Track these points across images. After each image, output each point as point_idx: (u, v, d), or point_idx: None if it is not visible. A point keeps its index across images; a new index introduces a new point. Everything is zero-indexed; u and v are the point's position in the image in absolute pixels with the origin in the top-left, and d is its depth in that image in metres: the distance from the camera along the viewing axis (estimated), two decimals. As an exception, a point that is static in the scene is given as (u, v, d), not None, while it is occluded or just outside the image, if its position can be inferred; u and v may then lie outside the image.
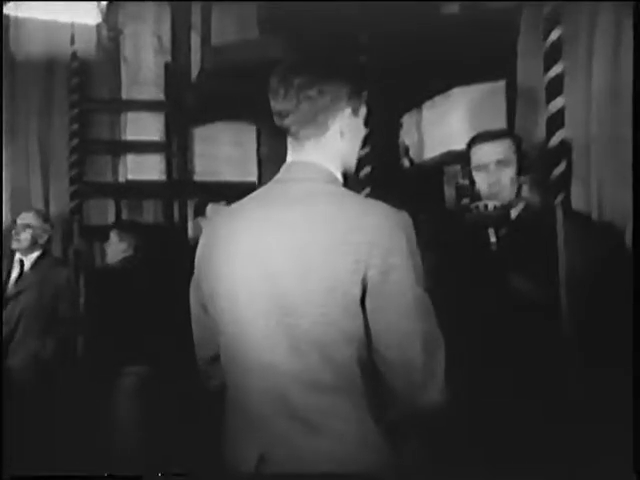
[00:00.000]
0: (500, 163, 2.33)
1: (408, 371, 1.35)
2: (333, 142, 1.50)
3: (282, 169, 1.53)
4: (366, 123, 1.58)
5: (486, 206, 2.36)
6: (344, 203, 1.41)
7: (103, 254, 4.05)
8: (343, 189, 1.48)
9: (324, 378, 1.34)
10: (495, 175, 2.34)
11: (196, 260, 1.58)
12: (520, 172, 2.34)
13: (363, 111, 1.56)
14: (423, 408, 1.41)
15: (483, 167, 2.36)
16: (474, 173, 2.40)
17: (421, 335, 1.34)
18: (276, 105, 1.55)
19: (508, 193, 2.34)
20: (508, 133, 2.44)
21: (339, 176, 1.51)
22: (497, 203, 2.32)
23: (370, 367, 1.36)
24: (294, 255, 1.37)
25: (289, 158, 1.53)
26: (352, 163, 1.56)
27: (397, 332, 1.34)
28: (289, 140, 1.53)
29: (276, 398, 1.36)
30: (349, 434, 1.35)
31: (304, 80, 1.50)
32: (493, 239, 2.33)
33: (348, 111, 1.51)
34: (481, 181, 2.38)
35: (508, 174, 2.33)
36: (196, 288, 1.60)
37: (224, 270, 1.47)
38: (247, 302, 1.41)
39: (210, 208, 3.66)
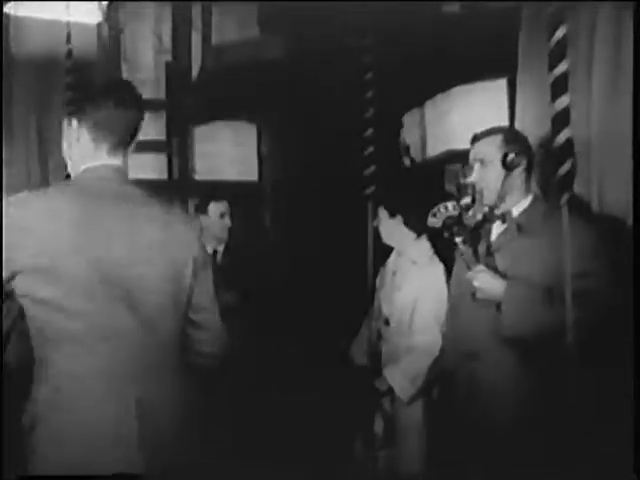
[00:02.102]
0: (484, 162, 2.33)
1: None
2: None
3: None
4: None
5: (446, 207, 2.37)
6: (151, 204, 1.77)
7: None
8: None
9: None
10: (479, 174, 2.34)
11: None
12: (507, 167, 2.31)
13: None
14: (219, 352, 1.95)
15: (471, 165, 2.37)
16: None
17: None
18: None
19: (493, 192, 2.32)
20: (501, 130, 2.40)
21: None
22: (455, 204, 2.34)
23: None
24: (128, 244, 1.64)
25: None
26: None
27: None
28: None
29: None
30: None
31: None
32: (458, 238, 2.34)
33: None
34: (470, 179, 2.39)
35: (492, 172, 2.32)
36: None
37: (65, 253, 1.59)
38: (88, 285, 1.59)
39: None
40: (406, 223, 3.08)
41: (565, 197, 2.14)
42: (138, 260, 1.64)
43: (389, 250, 3.20)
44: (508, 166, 2.29)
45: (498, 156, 2.31)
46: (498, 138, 2.34)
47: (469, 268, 2.31)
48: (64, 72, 3.80)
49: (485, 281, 2.25)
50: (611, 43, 2.38)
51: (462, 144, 3.44)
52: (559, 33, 2.10)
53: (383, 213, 3.10)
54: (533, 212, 2.33)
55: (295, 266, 4.35)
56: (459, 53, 3.19)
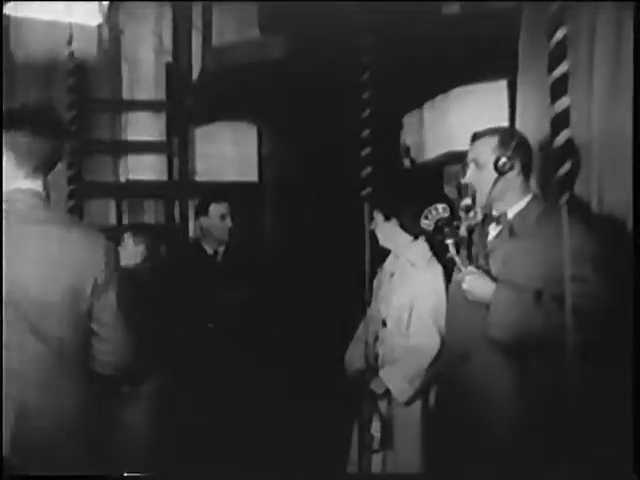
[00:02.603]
0: (478, 163, 2.32)
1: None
2: None
3: None
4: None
5: (437, 209, 2.37)
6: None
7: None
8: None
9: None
10: (473, 174, 2.33)
11: None
12: (498, 171, 2.28)
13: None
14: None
15: (468, 165, 2.36)
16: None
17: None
18: None
19: (485, 193, 2.31)
20: (497, 132, 2.38)
21: None
22: (443, 205, 2.34)
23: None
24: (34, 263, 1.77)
25: None
26: None
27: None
28: None
29: None
30: None
31: None
32: (449, 240, 2.34)
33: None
34: (464, 180, 2.39)
35: (486, 174, 2.30)
36: None
37: None
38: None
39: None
40: (401, 226, 3.08)
41: (565, 198, 2.13)
42: (42, 279, 1.77)
43: (387, 251, 3.20)
44: (499, 170, 2.27)
45: (492, 158, 2.28)
46: (494, 140, 2.32)
47: (460, 270, 2.31)
48: (66, 74, 3.80)
49: (473, 283, 2.25)
50: (611, 43, 2.38)
51: (462, 145, 3.44)
52: (559, 34, 2.10)
53: (378, 216, 3.10)
54: (528, 214, 2.31)
55: (295, 266, 4.36)
56: (459, 54, 3.19)
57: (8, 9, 3.83)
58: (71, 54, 3.79)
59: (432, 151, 3.92)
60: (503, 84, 3.35)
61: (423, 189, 3.75)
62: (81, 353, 1.85)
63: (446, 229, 2.36)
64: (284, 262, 4.39)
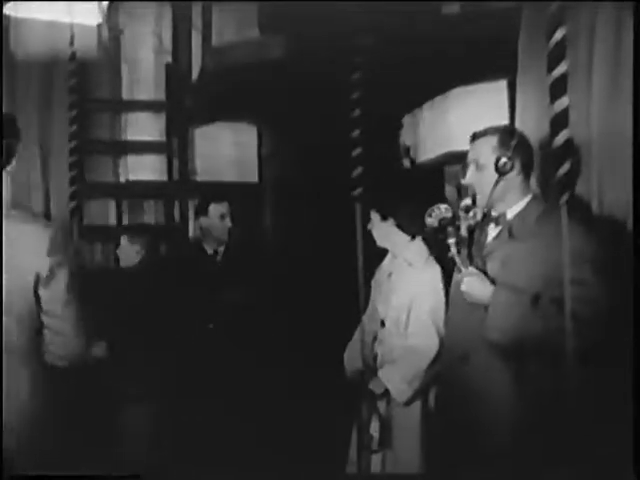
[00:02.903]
0: (478, 164, 2.31)
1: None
2: None
3: None
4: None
5: (439, 209, 2.37)
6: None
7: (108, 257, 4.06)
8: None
9: None
10: (473, 174, 2.33)
11: None
12: (498, 172, 2.28)
13: None
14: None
15: (468, 165, 2.36)
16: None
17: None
18: None
19: (486, 194, 2.30)
20: (497, 131, 2.36)
21: None
22: (447, 206, 2.33)
23: None
24: None
25: None
26: None
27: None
28: None
29: None
30: None
31: None
32: (450, 240, 2.33)
33: None
34: (465, 180, 2.38)
35: (487, 175, 2.28)
36: None
37: None
38: None
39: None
40: (398, 226, 3.07)
41: (564, 198, 2.13)
42: None
43: (385, 251, 3.20)
44: (500, 171, 2.26)
45: (492, 159, 2.27)
46: (494, 139, 2.31)
47: (460, 271, 2.30)
48: (68, 75, 3.80)
49: (472, 285, 2.24)
50: (611, 43, 2.38)
51: (461, 145, 3.44)
52: (558, 34, 2.10)
53: (375, 216, 3.10)
54: (527, 214, 2.30)
55: (294, 266, 4.36)
56: (459, 54, 3.19)
57: (8, 9, 3.84)
58: (73, 55, 3.79)
59: (432, 151, 3.92)
60: (503, 84, 3.35)
61: (423, 189, 3.75)
62: (32, 347, 1.92)
63: (448, 228, 2.36)
64: (284, 262, 4.39)
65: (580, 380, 2.00)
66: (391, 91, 3.38)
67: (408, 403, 2.94)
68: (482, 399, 2.28)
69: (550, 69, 2.08)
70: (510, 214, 2.32)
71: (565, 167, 2.08)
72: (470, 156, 2.36)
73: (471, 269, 2.28)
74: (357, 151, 3.11)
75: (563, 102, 2.09)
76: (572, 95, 2.20)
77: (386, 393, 2.96)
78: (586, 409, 2.02)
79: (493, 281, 2.24)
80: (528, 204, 2.32)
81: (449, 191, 3.83)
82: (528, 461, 2.16)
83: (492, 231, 2.37)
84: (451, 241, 2.34)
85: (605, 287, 2.11)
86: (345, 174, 3.48)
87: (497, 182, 2.27)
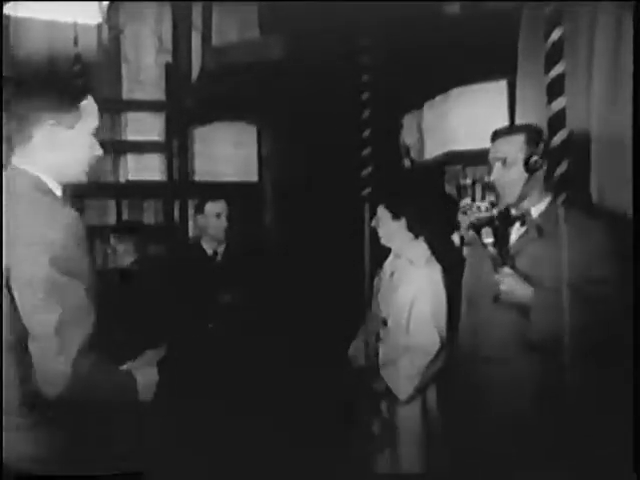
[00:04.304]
0: (505, 161, 2.29)
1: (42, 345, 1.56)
2: (39, 151, 1.65)
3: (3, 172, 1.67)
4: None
5: (479, 207, 2.34)
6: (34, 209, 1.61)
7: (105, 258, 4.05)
8: (40, 196, 1.63)
9: None
10: (499, 173, 2.31)
11: None
12: (529, 170, 2.27)
13: (81, 125, 1.71)
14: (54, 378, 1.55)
15: (491, 164, 2.34)
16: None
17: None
18: None
19: (514, 192, 2.29)
20: (523, 129, 2.35)
21: (49, 182, 1.66)
22: (487, 204, 2.30)
23: None
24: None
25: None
26: (69, 173, 1.70)
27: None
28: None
29: None
30: None
31: (9, 95, 1.66)
32: (489, 239, 2.30)
33: (50, 122, 1.65)
34: (491, 178, 2.35)
35: (514, 173, 2.28)
36: None
37: None
38: None
39: None
40: (409, 226, 3.09)
41: (562, 197, 2.13)
42: None
43: (387, 250, 3.20)
44: (531, 168, 2.25)
45: (520, 157, 2.27)
46: (520, 138, 2.29)
47: (496, 271, 2.25)
48: (72, 76, 3.81)
49: (512, 285, 2.21)
50: (611, 43, 2.38)
51: (462, 145, 3.45)
52: (555, 35, 2.10)
53: (385, 214, 3.10)
54: (552, 213, 2.26)
55: (295, 266, 4.36)
56: (459, 54, 3.18)
57: (8, 9, 3.84)
58: (78, 57, 3.79)
59: (432, 151, 3.91)
60: (503, 84, 3.34)
61: (423, 189, 3.75)
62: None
63: (485, 228, 2.32)
64: (284, 262, 4.39)
65: (581, 379, 2.01)
66: (391, 91, 3.38)
67: (409, 401, 2.95)
68: (494, 399, 2.27)
69: (548, 69, 2.09)
70: (535, 212, 2.31)
71: (562, 167, 2.08)
72: (494, 154, 2.34)
73: (506, 269, 2.24)
74: (359, 151, 3.12)
75: (560, 102, 2.10)
76: (572, 95, 2.21)
77: (388, 391, 2.97)
78: (587, 409, 2.02)
79: (530, 281, 2.21)
80: (551, 203, 2.30)
81: (449, 191, 3.83)
82: (529, 461, 2.16)
83: (516, 231, 2.35)
84: (489, 240, 2.30)
85: (624, 284, 2.11)
86: (346, 174, 3.48)
87: (528, 180, 2.26)
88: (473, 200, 2.37)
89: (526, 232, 2.31)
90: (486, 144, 2.41)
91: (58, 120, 1.66)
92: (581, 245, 2.11)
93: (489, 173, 2.36)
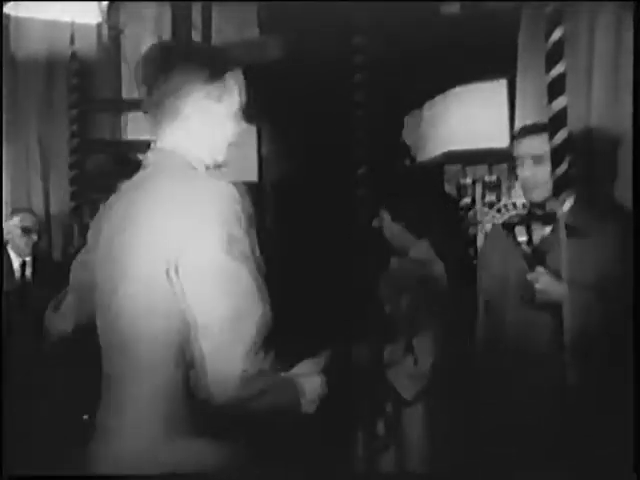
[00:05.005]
0: (536, 158, 2.27)
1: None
2: (186, 126, 1.53)
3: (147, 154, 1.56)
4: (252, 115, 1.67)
5: (514, 204, 2.31)
6: (176, 186, 1.46)
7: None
8: (182, 173, 1.51)
9: None
10: (530, 170, 2.29)
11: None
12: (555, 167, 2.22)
13: (228, 98, 1.57)
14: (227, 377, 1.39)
15: (520, 161, 2.32)
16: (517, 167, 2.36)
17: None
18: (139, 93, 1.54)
19: (544, 189, 2.27)
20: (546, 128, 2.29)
21: (194, 161, 1.56)
22: (524, 201, 2.26)
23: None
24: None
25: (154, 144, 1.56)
26: (215, 150, 1.63)
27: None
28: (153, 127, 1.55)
29: None
30: None
31: (151, 68, 1.51)
32: (523, 238, 2.28)
33: (200, 95, 1.52)
34: (520, 176, 2.34)
35: (545, 170, 2.24)
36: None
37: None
38: None
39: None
40: (408, 228, 3.09)
41: (562, 197, 2.13)
42: None
43: (390, 250, 3.20)
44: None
45: (549, 153, 2.22)
46: (546, 135, 2.24)
47: (531, 269, 2.21)
48: (70, 74, 3.80)
49: (547, 283, 2.17)
50: (611, 43, 2.38)
51: (462, 145, 3.45)
52: (555, 35, 2.10)
53: (386, 215, 3.11)
54: (579, 212, 2.26)
55: (295, 266, 4.35)
56: (459, 54, 3.19)
57: (8, 9, 3.83)
58: (74, 54, 3.79)
59: (432, 150, 3.92)
60: (503, 84, 3.34)
61: (423, 189, 3.75)
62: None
63: (519, 226, 2.30)
64: (284, 262, 4.39)
65: (581, 379, 2.00)
66: (391, 91, 3.38)
67: (414, 401, 2.95)
68: (502, 398, 2.27)
69: (548, 69, 2.09)
70: (562, 210, 2.25)
71: (563, 167, 2.08)
72: (525, 150, 2.32)
73: (540, 268, 2.21)
74: (359, 152, 3.12)
75: (560, 102, 2.09)
76: (573, 95, 2.21)
77: (393, 391, 2.97)
78: (587, 408, 2.02)
79: (563, 280, 2.17)
80: (576, 201, 2.29)
81: (449, 190, 3.84)
82: (529, 461, 2.17)
83: (540, 229, 2.33)
84: (523, 239, 2.28)
85: (606, 285, 2.11)
86: (345, 173, 3.49)
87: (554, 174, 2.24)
88: (473, 200, 2.37)
89: (554, 229, 2.28)
90: (486, 144, 2.41)
91: (207, 93, 1.53)
92: (606, 243, 2.10)
93: (514, 170, 2.32)
